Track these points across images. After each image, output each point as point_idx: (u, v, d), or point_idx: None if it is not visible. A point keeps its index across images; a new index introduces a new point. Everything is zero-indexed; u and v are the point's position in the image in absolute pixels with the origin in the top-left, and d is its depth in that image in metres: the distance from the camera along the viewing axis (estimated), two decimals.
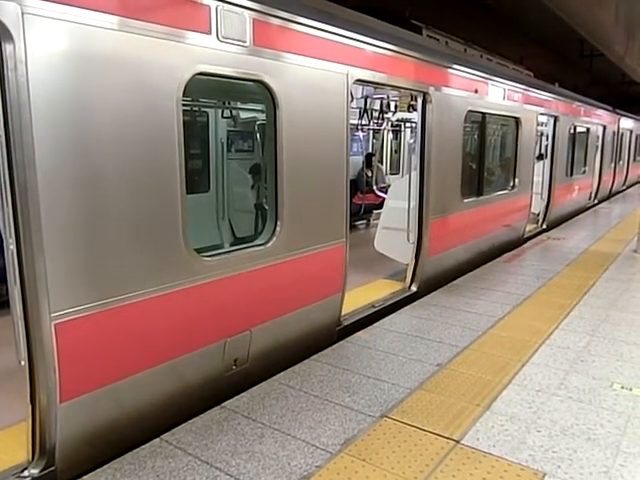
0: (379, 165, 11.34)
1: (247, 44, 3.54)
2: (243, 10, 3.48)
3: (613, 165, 16.76)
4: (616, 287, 6.22)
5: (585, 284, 6.31)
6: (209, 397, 3.56)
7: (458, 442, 3.02)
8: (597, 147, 14.40)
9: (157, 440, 3.06)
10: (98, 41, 2.72)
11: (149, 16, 2.93)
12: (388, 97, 9.08)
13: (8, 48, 2.41)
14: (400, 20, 5.76)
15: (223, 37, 3.37)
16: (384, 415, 3.33)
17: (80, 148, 2.71)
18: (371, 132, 11.94)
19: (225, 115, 6.70)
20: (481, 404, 3.46)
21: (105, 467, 2.83)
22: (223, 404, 3.46)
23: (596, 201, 15.07)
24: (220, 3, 3.32)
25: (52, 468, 2.84)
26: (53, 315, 2.65)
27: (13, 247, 2.62)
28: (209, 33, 3.29)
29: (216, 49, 3.34)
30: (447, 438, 3.06)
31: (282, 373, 3.92)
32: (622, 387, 3.71)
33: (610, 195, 17.15)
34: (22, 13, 2.40)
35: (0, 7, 2.33)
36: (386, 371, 3.97)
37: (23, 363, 2.72)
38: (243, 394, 3.60)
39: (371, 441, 3.03)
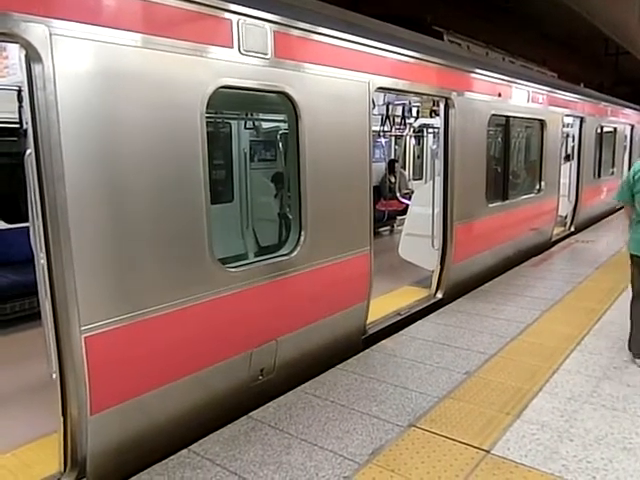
0: (402, 171, 11.29)
1: (268, 56, 3.57)
2: (264, 23, 3.52)
3: None
4: None
5: (616, 287, 6.16)
6: (236, 407, 3.57)
7: (488, 452, 2.97)
8: (625, 147, 14.10)
9: (185, 451, 3.08)
10: (123, 58, 2.78)
11: (172, 32, 2.98)
12: (410, 103, 9.04)
13: (37, 68, 2.47)
14: (421, 26, 5.75)
15: (245, 50, 3.41)
16: (412, 424, 3.29)
17: (107, 163, 2.76)
18: (393, 138, 11.91)
19: (248, 126, 6.75)
20: (511, 413, 3.40)
21: (134, 478, 2.86)
22: (250, 414, 3.47)
23: None
24: (241, 17, 3.36)
25: (83, 479, 2.88)
26: (83, 328, 2.69)
27: (44, 261, 2.68)
28: (231, 47, 3.33)
29: (238, 62, 3.38)
30: (477, 448, 3.01)
31: (308, 383, 3.91)
32: None
33: None
34: (50, 34, 2.46)
35: (29, 29, 2.40)
36: (413, 380, 3.93)
37: (55, 376, 2.77)
38: (269, 404, 3.60)
39: (399, 451, 3.00)
